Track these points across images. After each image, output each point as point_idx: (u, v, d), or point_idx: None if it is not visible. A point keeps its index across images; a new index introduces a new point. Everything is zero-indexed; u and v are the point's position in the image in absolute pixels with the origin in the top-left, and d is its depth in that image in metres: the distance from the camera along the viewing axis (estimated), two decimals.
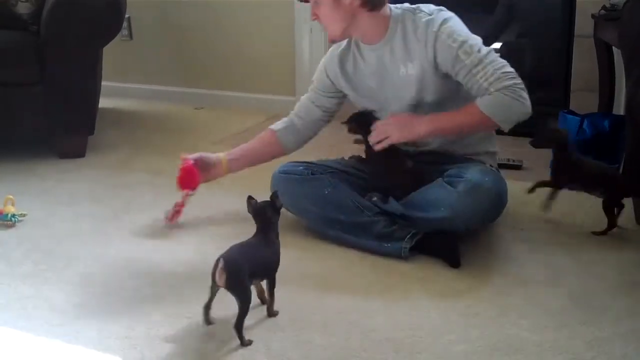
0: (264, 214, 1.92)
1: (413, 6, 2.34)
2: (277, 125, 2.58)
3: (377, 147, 2.29)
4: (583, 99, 3.37)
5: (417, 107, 2.34)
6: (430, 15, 2.27)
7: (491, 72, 2.18)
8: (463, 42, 2.21)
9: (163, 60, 4.49)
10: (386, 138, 2.27)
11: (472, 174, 2.22)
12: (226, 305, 1.81)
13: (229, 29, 4.23)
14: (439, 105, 2.30)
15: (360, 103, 2.48)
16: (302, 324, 1.88)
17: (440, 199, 2.19)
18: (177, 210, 2.51)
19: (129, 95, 4.51)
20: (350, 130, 2.42)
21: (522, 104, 2.18)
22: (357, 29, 2.33)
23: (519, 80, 2.19)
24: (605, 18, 2.96)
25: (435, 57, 2.24)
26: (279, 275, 1.91)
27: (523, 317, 1.91)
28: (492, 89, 2.17)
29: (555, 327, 1.86)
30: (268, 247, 1.90)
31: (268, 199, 1.94)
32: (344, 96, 2.53)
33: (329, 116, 2.57)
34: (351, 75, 2.45)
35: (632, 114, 2.36)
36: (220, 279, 1.78)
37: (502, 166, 2.70)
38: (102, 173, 3.12)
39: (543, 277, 2.14)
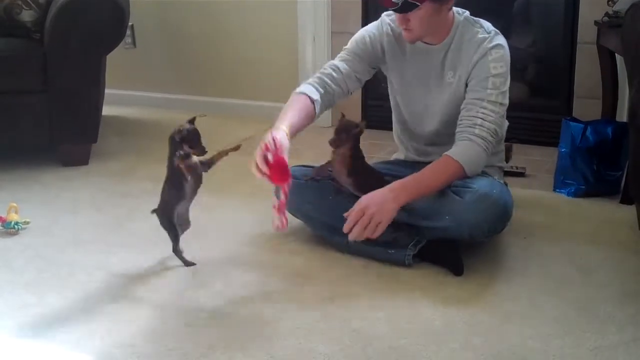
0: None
1: (474, 18, 2.35)
2: (313, 93, 2.32)
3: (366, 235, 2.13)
4: (586, 106, 3.37)
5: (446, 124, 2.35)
6: (488, 34, 2.29)
7: (486, 119, 2.22)
8: (499, 75, 2.25)
9: (166, 68, 4.49)
10: (378, 224, 2.11)
11: (480, 184, 2.22)
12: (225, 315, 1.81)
13: (232, 37, 4.24)
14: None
15: (393, 89, 2.47)
16: (305, 332, 1.88)
17: (445, 207, 2.19)
18: (281, 210, 2.08)
19: (132, 103, 4.51)
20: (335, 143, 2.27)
21: (487, 157, 2.26)
22: (436, 31, 2.31)
23: (494, 142, 2.26)
24: (608, 25, 2.97)
25: (471, 70, 2.27)
26: (281, 281, 1.89)
27: (527, 325, 1.91)
28: (476, 131, 2.21)
29: (559, 336, 1.85)
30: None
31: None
32: (375, 70, 2.48)
33: (358, 87, 2.47)
34: (401, 64, 2.41)
35: (635, 121, 2.36)
36: None
37: (505, 173, 2.70)
38: (106, 181, 3.13)
39: (546, 285, 2.14)
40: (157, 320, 1.95)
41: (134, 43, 4.48)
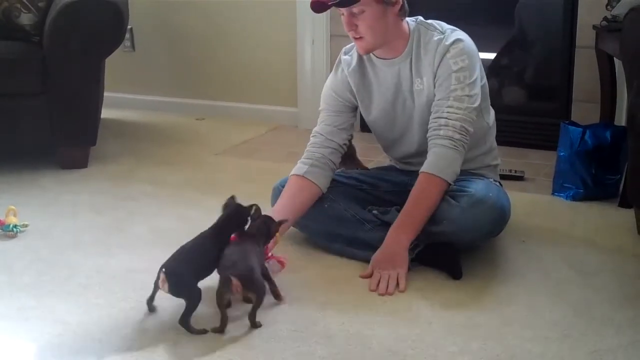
0: (238, 217, 2.08)
1: (428, 21, 2.33)
2: (300, 169, 2.36)
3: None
4: (585, 110, 3.37)
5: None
6: (442, 34, 2.26)
7: (450, 117, 2.20)
8: (461, 69, 2.21)
9: (165, 71, 4.50)
10: (398, 277, 2.13)
11: (476, 188, 2.22)
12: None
13: (230, 40, 4.24)
14: None
15: (370, 117, 2.45)
16: (304, 335, 1.88)
17: (443, 212, 2.19)
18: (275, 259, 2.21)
19: (131, 106, 4.51)
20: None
21: (461, 155, 2.23)
22: (388, 40, 2.28)
23: (466, 138, 2.22)
24: (606, 29, 2.97)
25: (435, 73, 2.24)
26: (280, 284, 1.95)
27: (525, 328, 1.91)
28: (441, 133, 2.20)
29: (557, 338, 1.86)
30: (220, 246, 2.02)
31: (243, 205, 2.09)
32: (357, 108, 2.47)
33: (349, 135, 2.46)
34: (369, 90, 2.40)
35: (634, 125, 2.37)
36: (164, 287, 1.91)
37: (504, 177, 2.70)
38: (104, 184, 3.13)
39: (545, 288, 2.14)
40: (156, 323, 1.95)
41: (132, 46, 4.49)
